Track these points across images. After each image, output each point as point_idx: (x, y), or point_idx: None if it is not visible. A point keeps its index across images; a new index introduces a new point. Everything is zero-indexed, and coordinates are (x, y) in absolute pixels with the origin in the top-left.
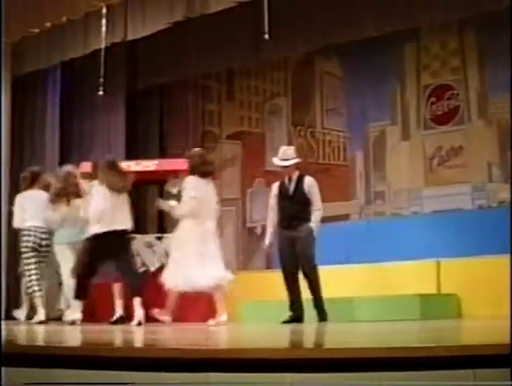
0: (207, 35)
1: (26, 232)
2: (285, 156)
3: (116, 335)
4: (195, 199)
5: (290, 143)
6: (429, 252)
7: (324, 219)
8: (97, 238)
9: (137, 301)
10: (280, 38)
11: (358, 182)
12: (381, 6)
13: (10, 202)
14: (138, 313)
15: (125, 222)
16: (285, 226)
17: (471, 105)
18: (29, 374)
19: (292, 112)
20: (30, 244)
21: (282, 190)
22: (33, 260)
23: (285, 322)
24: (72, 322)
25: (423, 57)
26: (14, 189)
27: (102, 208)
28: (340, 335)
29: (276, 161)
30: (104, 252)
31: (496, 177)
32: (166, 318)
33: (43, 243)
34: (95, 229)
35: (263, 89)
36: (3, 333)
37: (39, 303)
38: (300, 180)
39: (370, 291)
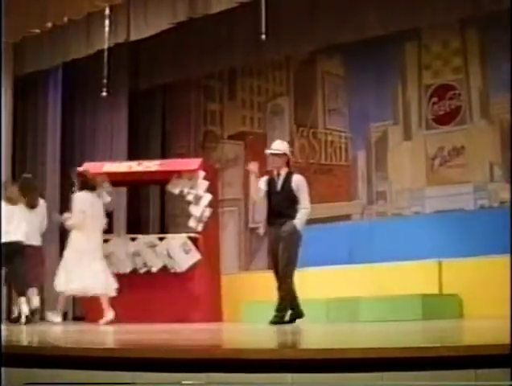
0: (209, 35)
1: None
2: (275, 147)
3: (116, 336)
4: (83, 212)
5: (292, 143)
6: (431, 253)
7: (326, 220)
8: None
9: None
10: (282, 37)
11: (360, 183)
12: (383, 6)
13: None
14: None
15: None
16: (271, 223)
17: (473, 105)
18: (28, 374)
19: (294, 112)
20: None
21: (271, 185)
22: None
23: (286, 322)
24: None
25: (425, 56)
26: None
27: None
28: (342, 335)
29: (266, 150)
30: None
31: (498, 177)
32: (55, 318)
33: None
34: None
35: (265, 89)
36: (3, 333)
37: None
38: (289, 177)
39: (372, 291)
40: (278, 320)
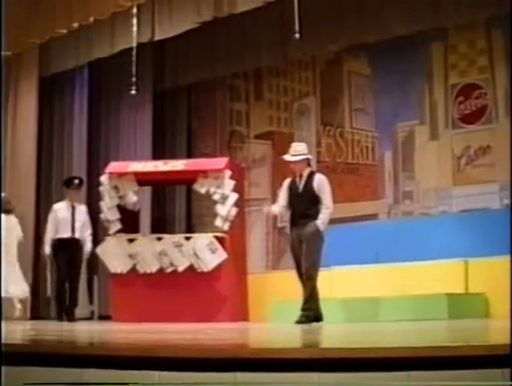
0: (235, 35)
1: None
2: (294, 152)
3: (142, 335)
4: None
5: (319, 143)
6: (457, 252)
7: (353, 219)
8: None
9: None
10: (308, 37)
11: (387, 182)
12: (409, 5)
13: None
14: None
15: None
16: (294, 224)
17: (499, 104)
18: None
19: (321, 111)
20: None
21: (293, 187)
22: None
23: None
24: None
25: (451, 56)
26: (43, 190)
27: None
28: (368, 335)
29: (286, 156)
30: None
31: None
32: None
33: None
34: None
35: (292, 89)
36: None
37: None
38: (310, 177)
39: (398, 290)
40: (303, 320)
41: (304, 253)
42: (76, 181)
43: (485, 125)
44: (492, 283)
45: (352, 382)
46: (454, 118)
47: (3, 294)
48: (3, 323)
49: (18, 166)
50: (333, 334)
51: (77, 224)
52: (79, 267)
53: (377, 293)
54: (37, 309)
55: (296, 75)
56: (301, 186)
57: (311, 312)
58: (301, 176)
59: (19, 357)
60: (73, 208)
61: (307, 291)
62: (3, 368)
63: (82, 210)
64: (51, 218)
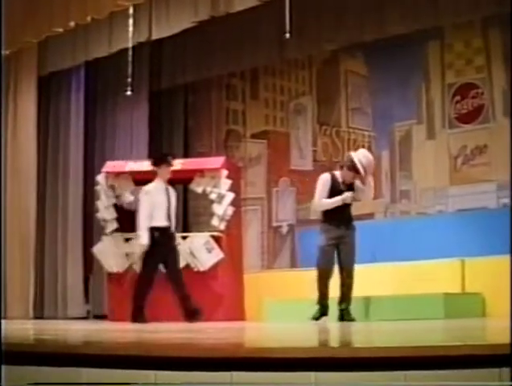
0: (231, 34)
1: None
2: (361, 158)
3: (139, 334)
4: None
5: (315, 142)
6: (454, 251)
7: None
8: None
9: None
10: (305, 36)
11: (384, 181)
12: (407, 5)
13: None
14: None
15: None
16: (334, 224)
17: (495, 104)
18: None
19: (317, 111)
20: None
21: (336, 189)
22: None
23: (315, 318)
24: None
25: (448, 55)
26: (41, 188)
27: None
28: (365, 334)
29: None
30: None
31: None
32: None
33: None
34: None
35: (288, 88)
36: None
37: None
38: (352, 184)
39: (395, 290)
40: (352, 318)
41: (350, 253)
42: (169, 157)
43: (481, 124)
44: (489, 282)
45: (348, 381)
46: (451, 118)
47: None
48: (3, 322)
49: (20, 166)
50: (331, 333)
51: (172, 211)
52: (179, 259)
53: (373, 292)
54: (38, 308)
55: (293, 75)
56: (344, 187)
57: (348, 306)
58: (344, 182)
59: (20, 356)
60: (167, 191)
61: (349, 290)
62: (3, 368)
63: (174, 193)
64: (144, 202)
